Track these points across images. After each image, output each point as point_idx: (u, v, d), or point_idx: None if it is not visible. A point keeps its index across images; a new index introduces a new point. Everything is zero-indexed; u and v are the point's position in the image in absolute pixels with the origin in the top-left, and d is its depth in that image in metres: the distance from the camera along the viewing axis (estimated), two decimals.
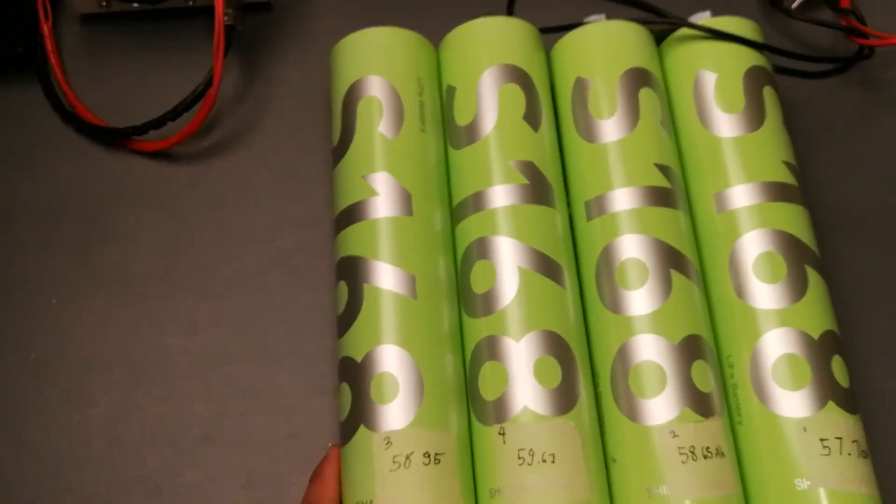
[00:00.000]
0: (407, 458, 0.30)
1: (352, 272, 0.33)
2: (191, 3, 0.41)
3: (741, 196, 0.34)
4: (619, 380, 0.32)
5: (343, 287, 0.33)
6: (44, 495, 0.35)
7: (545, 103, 0.37)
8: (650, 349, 0.32)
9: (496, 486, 0.30)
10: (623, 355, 0.32)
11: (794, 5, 0.44)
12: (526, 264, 0.33)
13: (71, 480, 0.35)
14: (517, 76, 0.36)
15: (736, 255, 0.34)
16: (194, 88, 0.38)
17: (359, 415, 0.31)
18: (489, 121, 0.35)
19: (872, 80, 0.44)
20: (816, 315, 0.32)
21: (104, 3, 0.42)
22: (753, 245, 0.33)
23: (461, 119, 0.36)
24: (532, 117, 0.36)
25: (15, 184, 0.40)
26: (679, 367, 0.31)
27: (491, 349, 0.32)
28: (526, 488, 0.30)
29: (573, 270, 0.34)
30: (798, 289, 0.33)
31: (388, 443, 0.30)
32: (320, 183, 0.40)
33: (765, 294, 0.33)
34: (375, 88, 0.36)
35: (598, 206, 0.34)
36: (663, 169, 0.35)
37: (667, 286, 0.32)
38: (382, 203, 0.34)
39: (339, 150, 0.36)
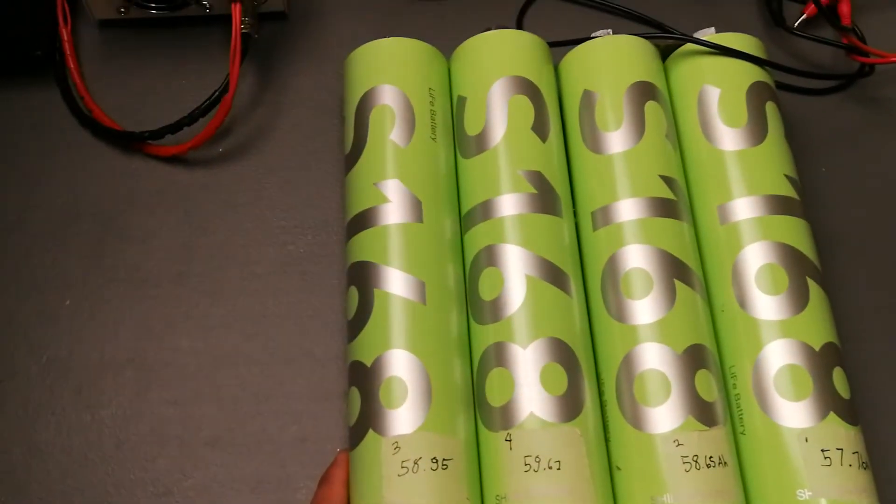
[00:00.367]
0: (415, 462, 0.30)
1: (362, 277, 0.34)
2: (208, 11, 0.42)
3: (744, 208, 0.35)
4: (624, 388, 0.32)
5: (354, 292, 0.34)
6: (53, 494, 0.35)
7: (553, 115, 0.37)
8: (655, 358, 0.32)
9: (502, 492, 0.31)
10: (628, 364, 0.32)
11: (797, 23, 0.44)
12: (533, 272, 0.33)
13: (81, 480, 0.35)
14: (526, 88, 0.37)
15: (738, 266, 0.34)
16: (210, 94, 0.39)
17: (368, 419, 0.31)
18: (498, 131, 0.36)
19: (873, 98, 0.44)
20: (818, 327, 0.33)
21: (122, 10, 0.42)
22: (756, 257, 0.34)
23: (471, 129, 0.37)
24: (540, 128, 0.36)
25: (31, 185, 0.41)
26: (683, 376, 0.32)
27: (498, 355, 0.32)
28: (532, 495, 0.30)
29: (579, 279, 0.35)
30: (800, 301, 0.33)
31: (397, 447, 0.30)
32: (332, 189, 0.40)
33: (767, 305, 0.33)
34: (388, 98, 0.36)
35: (603, 217, 0.35)
36: (668, 181, 0.35)
37: (671, 296, 0.33)
38: (393, 210, 0.34)
39: (352, 158, 0.36)
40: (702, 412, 0.31)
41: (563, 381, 0.32)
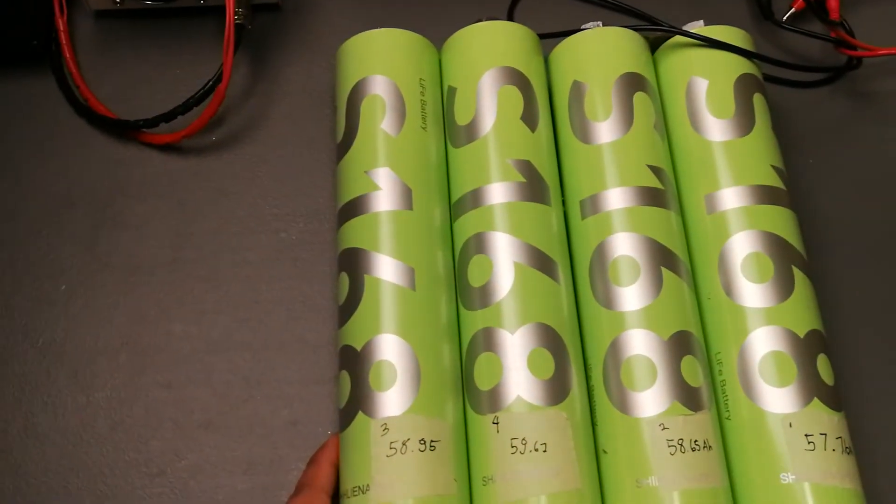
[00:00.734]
0: (403, 444, 0.31)
1: (353, 264, 0.34)
2: (202, 2, 0.42)
3: (731, 198, 0.35)
4: (611, 373, 0.33)
5: (344, 278, 0.34)
6: (49, 475, 0.35)
7: (542, 105, 0.38)
8: (641, 344, 0.32)
9: (489, 473, 0.31)
10: (615, 349, 0.33)
11: (786, 17, 0.45)
12: (522, 259, 0.34)
13: (76, 461, 0.35)
14: (516, 78, 0.37)
15: (725, 254, 0.35)
16: (204, 84, 0.39)
17: (358, 401, 0.32)
18: (488, 121, 0.36)
19: (860, 91, 0.45)
20: (802, 314, 0.33)
21: (118, 1, 0.43)
22: (742, 246, 0.34)
23: (461, 118, 0.37)
24: (529, 118, 0.37)
25: (28, 173, 0.41)
26: (669, 361, 0.32)
27: (486, 340, 0.33)
28: (518, 476, 0.30)
29: (567, 266, 0.35)
30: (785, 289, 0.34)
31: (386, 429, 0.31)
32: (324, 177, 0.41)
33: (753, 293, 0.34)
34: (379, 87, 0.37)
35: (592, 205, 0.35)
36: (656, 170, 0.36)
37: (658, 283, 0.33)
38: (384, 197, 0.35)
39: (343, 146, 0.37)
40: (687, 397, 0.32)
41: (550, 366, 0.32)
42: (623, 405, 0.32)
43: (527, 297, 0.33)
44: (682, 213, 0.37)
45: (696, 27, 0.39)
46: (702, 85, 0.38)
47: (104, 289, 0.39)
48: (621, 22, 0.40)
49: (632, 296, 0.33)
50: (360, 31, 0.38)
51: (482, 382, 0.32)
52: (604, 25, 0.39)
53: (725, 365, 0.33)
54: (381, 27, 0.38)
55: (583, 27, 0.39)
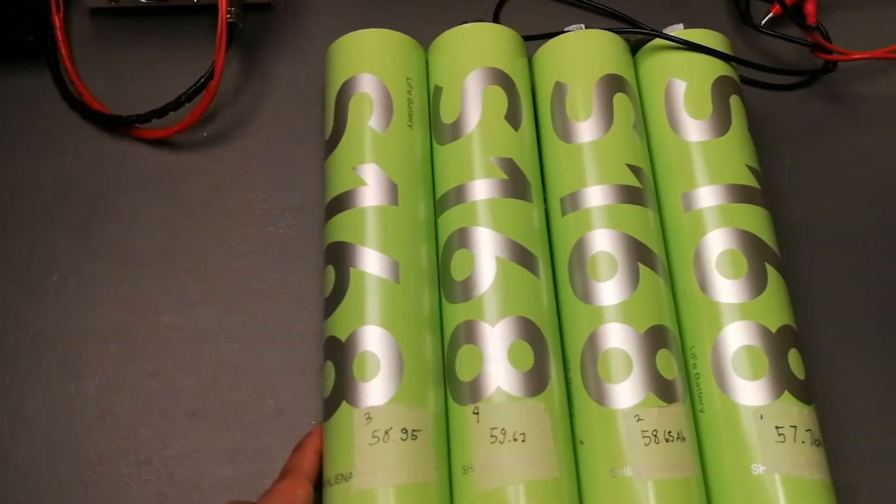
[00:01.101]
0: (386, 433, 0.31)
1: (339, 257, 0.35)
2: (195, 1, 0.43)
3: (707, 197, 0.36)
4: (588, 365, 0.33)
5: (330, 271, 0.35)
6: (38, 461, 0.36)
7: (525, 105, 0.39)
8: (618, 337, 0.33)
9: (469, 462, 0.32)
10: (592, 342, 0.33)
11: (764, 21, 0.46)
12: (503, 254, 0.34)
13: (64, 449, 0.36)
14: (500, 79, 0.38)
15: (701, 251, 0.35)
16: (196, 81, 0.40)
17: (341, 391, 0.32)
18: (472, 119, 0.37)
19: (835, 94, 0.46)
20: (775, 310, 0.34)
21: None
22: (717, 243, 0.35)
23: (446, 117, 0.38)
24: (513, 117, 0.38)
25: (22, 165, 0.41)
26: (644, 354, 0.33)
27: (468, 333, 0.33)
28: (497, 465, 0.31)
29: (548, 261, 0.36)
30: (758, 285, 0.34)
31: (368, 418, 0.31)
32: (312, 173, 0.41)
33: (727, 289, 0.34)
34: (367, 86, 0.38)
35: (572, 202, 0.36)
36: (634, 169, 0.37)
37: (635, 279, 0.34)
38: (370, 193, 0.35)
39: (331, 143, 0.38)
40: (662, 389, 0.32)
41: (530, 358, 0.33)
42: (600, 397, 0.33)
43: (508, 291, 0.34)
44: (659, 211, 0.38)
45: (676, 30, 0.40)
46: (680, 87, 0.38)
47: (95, 279, 0.39)
48: (603, 25, 0.41)
49: (609, 291, 0.34)
50: (350, 31, 0.39)
51: (463, 374, 0.33)
52: (586, 28, 0.40)
53: (699, 358, 0.34)
54: (370, 27, 0.39)
55: (566, 29, 0.40)
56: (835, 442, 0.35)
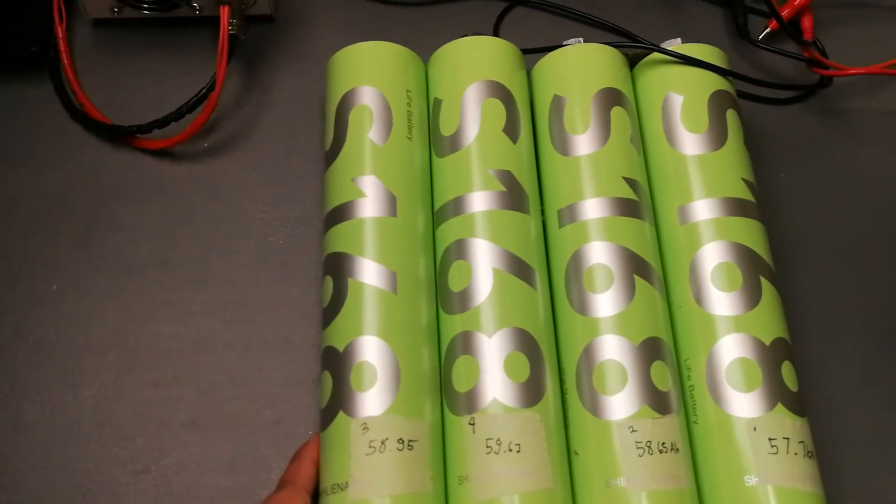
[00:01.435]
0: (382, 443, 0.31)
1: (338, 267, 0.35)
2: (197, 12, 0.43)
3: (703, 210, 0.37)
4: (584, 377, 0.33)
5: (329, 281, 0.35)
6: (36, 470, 0.36)
7: (524, 118, 0.39)
8: (613, 349, 0.33)
9: (465, 472, 0.32)
10: (588, 354, 0.34)
11: (761, 36, 0.46)
12: (500, 266, 0.35)
13: (62, 458, 0.36)
14: (499, 92, 0.38)
15: (696, 264, 0.36)
16: (198, 92, 0.40)
17: (338, 401, 0.33)
18: (471, 132, 0.37)
19: (831, 109, 0.46)
20: (769, 323, 0.34)
21: (116, 10, 0.44)
22: (712, 256, 0.36)
23: (446, 129, 0.38)
24: (511, 130, 0.38)
25: (24, 175, 0.42)
26: (639, 366, 0.33)
27: (465, 344, 0.34)
28: (492, 476, 0.31)
29: (544, 273, 0.36)
30: (752, 298, 0.35)
31: (365, 428, 0.32)
32: (311, 184, 0.41)
33: (721, 302, 0.35)
34: (367, 98, 0.38)
35: (569, 214, 0.37)
36: (631, 182, 0.37)
37: (630, 291, 0.34)
38: (369, 204, 0.36)
39: (331, 154, 0.38)
40: (656, 401, 0.33)
41: (526, 369, 0.33)
42: (594, 408, 0.33)
43: (505, 302, 0.34)
44: (655, 224, 0.38)
45: (674, 45, 0.40)
46: (677, 100, 0.39)
47: (95, 289, 0.39)
48: (602, 39, 0.41)
49: (605, 302, 0.34)
50: (350, 44, 0.39)
51: (460, 384, 0.33)
52: (585, 42, 0.40)
53: (694, 370, 0.34)
54: (370, 40, 0.39)
55: (564, 43, 0.40)
56: (827, 454, 0.35)
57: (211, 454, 0.36)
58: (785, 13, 0.45)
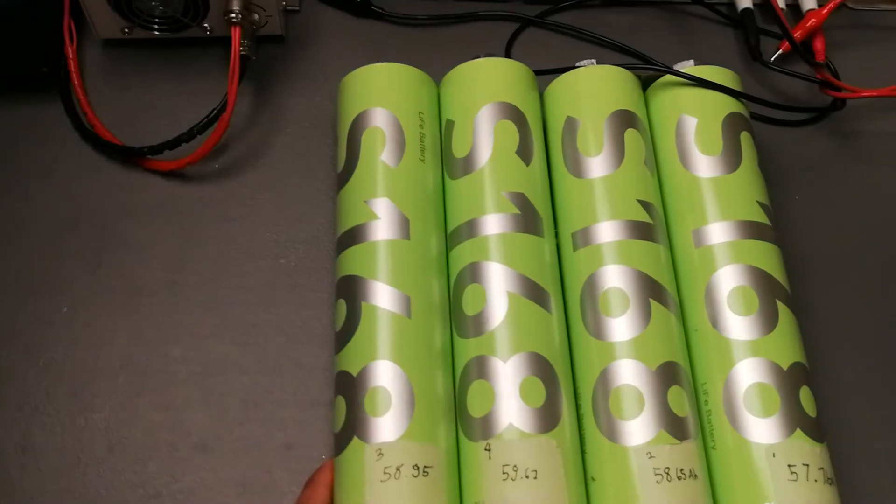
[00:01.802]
0: (397, 469, 0.31)
1: (351, 290, 0.35)
2: (208, 33, 0.43)
3: (718, 233, 0.36)
4: (600, 401, 0.33)
5: (342, 304, 0.35)
6: (45, 494, 0.35)
7: (537, 140, 0.39)
8: (630, 373, 0.33)
9: (480, 499, 0.31)
10: (604, 378, 0.33)
11: (773, 58, 0.46)
12: (515, 289, 0.34)
13: (72, 482, 0.36)
14: (512, 113, 0.38)
15: (712, 287, 0.35)
16: (209, 113, 0.40)
17: (352, 426, 0.32)
18: (484, 154, 0.37)
19: (844, 131, 0.46)
20: (786, 347, 0.34)
21: (126, 31, 0.44)
22: (728, 279, 0.35)
23: (458, 151, 0.38)
24: (524, 152, 0.38)
25: (34, 196, 0.42)
26: (656, 391, 0.33)
27: (480, 368, 0.33)
28: (509, 503, 0.31)
29: (559, 297, 0.36)
30: (769, 321, 0.34)
31: (380, 454, 0.31)
32: (323, 206, 0.41)
33: (738, 326, 0.34)
34: (380, 120, 0.38)
35: (583, 238, 0.36)
36: (645, 205, 0.37)
37: (646, 315, 0.34)
38: (382, 227, 0.36)
39: (344, 176, 0.38)
40: (673, 426, 0.32)
41: (542, 394, 0.33)
42: (611, 433, 0.33)
43: (520, 326, 0.34)
44: (670, 247, 0.38)
45: (687, 67, 0.40)
46: (691, 123, 0.39)
47: (105, 311, 0.39)
48: (615, 60, 0.41)
49: (621, 327, 0.34)
50: (362, 65, 0.39)
51: (475, 409, 0.33)
52: (598, 63, 0.40)
53: (711, 395, 0.34)
54: (382, 61, 0.39)
55: (577, 65, 0.40)
56: (848, 481, 0.34)
57: (222, 478, 0.36)
58: (797, 35, 0.45)
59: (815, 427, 0.33)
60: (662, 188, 0.39)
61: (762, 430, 0.33)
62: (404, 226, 0.36)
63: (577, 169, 0.38)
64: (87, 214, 0.41)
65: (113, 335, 0.39)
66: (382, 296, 0.34)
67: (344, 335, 0.34)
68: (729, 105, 0.39)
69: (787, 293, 0.36)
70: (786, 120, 0.45)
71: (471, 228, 0.36)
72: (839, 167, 0.45)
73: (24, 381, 0.38)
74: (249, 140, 0.44)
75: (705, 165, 0.38)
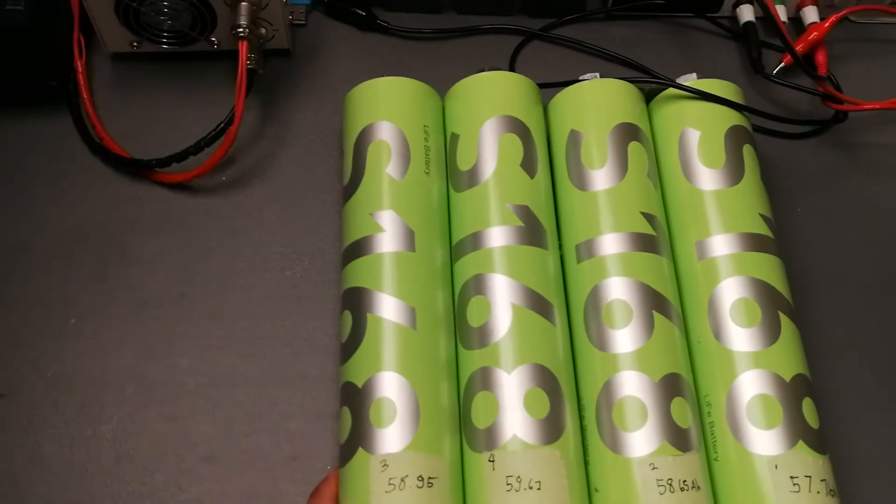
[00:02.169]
0: (402, 480, 0.31)
1: (356, 302, 0.35)
2: (216, 47, 0.44)
3: (720, 245, 0.36)
4: (604, 413, 0.33)
5: (348, 316, 0.35)
6: None
7: (541, 152, 0.39)
8: (633, 385, 0.33)
9: None
10: (607, 390, 0.34)
11: (775, 71, 0.46)
12: (519, 301, 0.35)
13: (80, 492, 0.36)
14: (516, 127, 0.38)
15: (714, 300, 0.36)
16: (216, 126, 0.40)
17: (358, 437, 0.32)
18: (489, 167, 0.38)
19: (846, 143, 0.46)
20: (789, 359, 0.34)
21: (135, 44, 0.44)
22: (731, 291, 0.35)
23: (463, 164, 0.38)
24: (528, 165, 0.38)
25: (43, 208, 0.42)
26: (659, 403, 0.33)
27: (484, 380, 0.34)
28: None
29: (563, 309, 0.36)
30: (772, 333, 0.34)
31: (385, 465, 0.31)
32: (329, 218, 0.42)
33: (741, 337, 0.35)
34: (385, 133, 0.38)
35: (587, 250, 0.37)
36: (649, 217, 0.37)
37: (649, 327, 0.34)
38: (388, 239, 0.36)
39: (349, 189, 0.38)
40: (676, 438, 0.32)
41: (546, 406, 0.33)
42: (615, 445, 0.33)
43: (524, 338, 0.34)
44: (673, 259, 0.38)
45: (690, 80, 0.40)
46: (694, 136, 0.39)
47: (113, 323, 0.39)
48: (618, 74, 0.42)
49: (624, 338, 0.34)
50: (368, 79, 0.39)
51: (479, 421, 0.33)
52: (601, 77, 0.40)
53: (714, 407, 0.34)
54: (387, 75, 0.39)
55: (581, 78, 0.41)
56: (850, 493, 0.34)
57: (228, 489, 0.36)
58: (799, 48, 0.46)
59: (817, 439, 0.33)
60: (665, 201, 0.39)
61: (765, 441, 0.33)
62: (409, 238, 0.36)
63: (580, 181, 0.38)
64: (96, 226, 0.42)
65: (120, 347, 0.39)
66: (388, 307, 0.34)
67: (349, 346, 0.35)
68: (732, 118, 0.39)
69: (789, 305, 0.36)
70: (788, 133, 0.45)
71: (475, 241, 0.36)
72: (841, 180, 0.45)
73: (33, 392, 0.38)
74: (256, 153, 0.44)
75: (708, 178, 0.38)
